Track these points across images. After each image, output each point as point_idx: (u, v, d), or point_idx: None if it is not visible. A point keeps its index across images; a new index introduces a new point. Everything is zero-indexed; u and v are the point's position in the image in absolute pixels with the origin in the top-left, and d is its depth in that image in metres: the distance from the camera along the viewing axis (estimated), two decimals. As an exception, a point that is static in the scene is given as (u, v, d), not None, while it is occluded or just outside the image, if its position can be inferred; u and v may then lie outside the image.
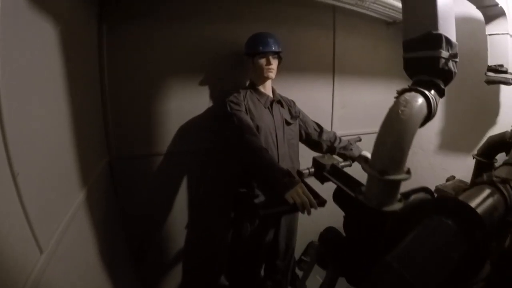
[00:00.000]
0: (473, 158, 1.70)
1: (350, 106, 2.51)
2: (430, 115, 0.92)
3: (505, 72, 1.88)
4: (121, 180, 1.77)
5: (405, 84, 0.98)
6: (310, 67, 2.27)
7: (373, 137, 0.89)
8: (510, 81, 1.87)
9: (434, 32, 0.94)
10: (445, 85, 1.01)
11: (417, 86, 0.94)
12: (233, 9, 1.91)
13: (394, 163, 0.84)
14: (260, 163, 1.36)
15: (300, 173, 1.49)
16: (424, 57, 0.97)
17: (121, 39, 1.65)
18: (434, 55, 0.95)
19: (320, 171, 1.49)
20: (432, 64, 0.96)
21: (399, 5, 1.97)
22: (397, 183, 0.87)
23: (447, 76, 1.00)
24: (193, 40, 1.82)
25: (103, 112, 1.64)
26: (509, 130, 1.57)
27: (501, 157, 1.55)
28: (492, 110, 2.18)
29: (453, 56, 0.98)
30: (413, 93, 0.89)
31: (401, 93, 0.93)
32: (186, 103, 1.85)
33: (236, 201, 1.76)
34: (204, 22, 1.84)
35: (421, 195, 1.01)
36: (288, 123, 1.76)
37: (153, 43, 1.73)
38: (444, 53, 0.95)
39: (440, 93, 1.00)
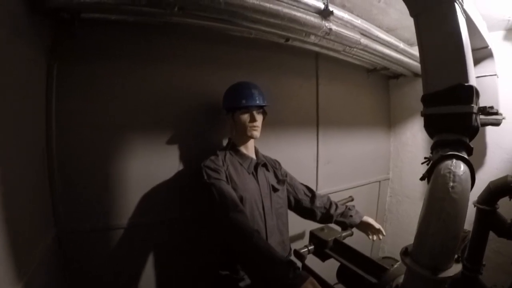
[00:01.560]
0: (474, 206, 1.59)
1: (335, 161, 2.35)
2: (473, 183, 0.76)
3: (495, 113, 1.85)
4: (73, 259, 1.42)
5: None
6: (293, 120, 2.07)
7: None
8: (500, 121, 1.84)
9: (465, 84, 0.81)
10: (470, 142, 0.87)
11: (450, 149, 0.79)
12: (208, 53, 1.69)
13: (446, 255, 0.64)
14: (254, 254, 1.08)
15: (300, 255, 1.27)
16: (452, 114, 0.83)
17: (73, 84, 1.39)
18: (466, 110, 0.81)
19: (321, 248, 1.29)
20: (463, 121, 0.82)
21: (388, 51, 1.94)
22: (448, 279, 0.67)
23: (474, 132, 0.87)
24: (161, 89, 1.57)
25: (48, 176, 1.34)
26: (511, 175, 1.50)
27: (502, 202, 1.47)
28: (479, 151, 2.12)
29: (481, 110, 0.85)
30: (454, 161, 0.72)
31: (437, 161, 0.76)
32: (151, 165, 1.56)
33: (217, 287, 1.43)
34: (175, 67, 1.60)
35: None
36: (275, 189, 1.49)
37: (113, 91, 1.48)
38: (475, 108, 0.81)
39: (469, 153, 0.86)
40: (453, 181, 0.66)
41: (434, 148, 0.85)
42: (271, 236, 1.38)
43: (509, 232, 1.38)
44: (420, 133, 2.54)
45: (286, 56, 2.01)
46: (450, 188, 0.65)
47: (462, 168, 0.71)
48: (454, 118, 0.84)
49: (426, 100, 0.88)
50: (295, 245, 1.50)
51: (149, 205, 1.57)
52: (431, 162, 0.79)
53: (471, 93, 0.81)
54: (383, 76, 2.71)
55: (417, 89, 2.44)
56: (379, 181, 2.77)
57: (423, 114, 0.91)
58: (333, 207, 1.58)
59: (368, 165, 2.63)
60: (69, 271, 1.43)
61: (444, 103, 0.85)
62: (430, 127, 0.91)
